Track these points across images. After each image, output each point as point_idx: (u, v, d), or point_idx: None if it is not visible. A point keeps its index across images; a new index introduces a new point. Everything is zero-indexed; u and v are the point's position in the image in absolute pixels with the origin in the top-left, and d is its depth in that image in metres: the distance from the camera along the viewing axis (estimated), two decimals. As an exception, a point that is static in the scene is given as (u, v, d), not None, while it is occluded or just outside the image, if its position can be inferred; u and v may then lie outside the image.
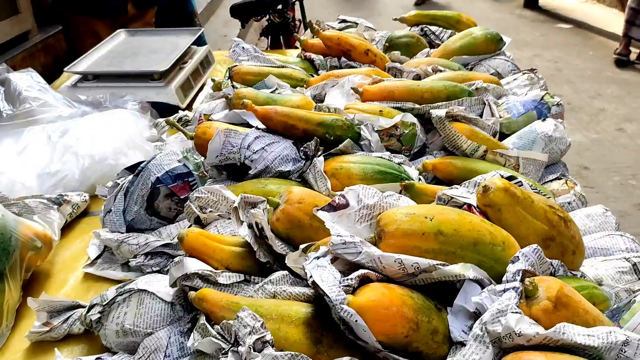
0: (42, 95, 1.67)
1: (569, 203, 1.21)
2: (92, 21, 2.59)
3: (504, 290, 0.75)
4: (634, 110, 4.64)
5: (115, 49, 2.10)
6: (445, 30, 1.91)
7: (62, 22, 2.81)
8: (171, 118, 1.53)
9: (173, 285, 0.95)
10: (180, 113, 1.61)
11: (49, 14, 2.78)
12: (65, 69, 1.90)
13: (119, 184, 1.26)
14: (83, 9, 2.55)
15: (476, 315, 0.77)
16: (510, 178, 1.03)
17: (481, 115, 1.35)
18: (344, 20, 2.06)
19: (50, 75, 2.69)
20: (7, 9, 2.91)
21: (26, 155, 1.46)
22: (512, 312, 0.70)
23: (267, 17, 2.89)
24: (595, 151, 4.02)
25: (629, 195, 3.51)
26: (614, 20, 6.35)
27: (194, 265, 0.94)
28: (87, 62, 1.94)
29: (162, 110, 1.83)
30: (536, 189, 1.05)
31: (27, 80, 1.69)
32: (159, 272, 1.12)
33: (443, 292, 0.82)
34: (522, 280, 0.76)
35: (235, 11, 2.73)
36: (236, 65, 1.61)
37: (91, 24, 2.60)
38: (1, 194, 1.29)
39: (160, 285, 1.00)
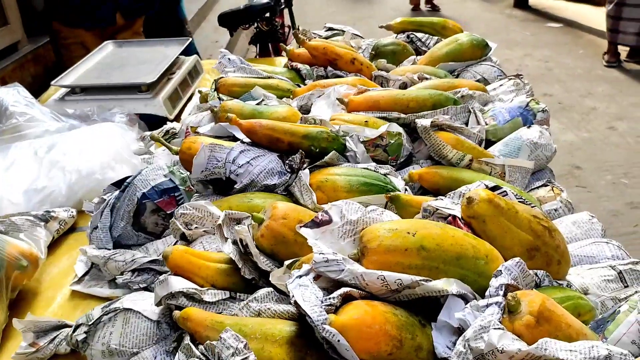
0: (29, 110, 1.67)
1: (555, 210, 1.21)
2: (80, 32, 2.59)
3: (487, 306, 0.75)
4: (624, 109, 4.66)
5: (103, 61, 2.09)
6: (431, 36, 1.91)
7: (50, 33, 2.80)
8: (157, 132, 1.53)
9: (158, 303, 0.95)
10: (168, 125, 1.61)
11: (38, 24, 2.77)
12: (52, 82, 1.90)
13: (105, 199, 1.26)
14: (71, 21, 2.55)
15: (460, 330, 0.77)
16: (494, 188, 1.03)
17: (467, 123, 1.35)
18: (330, 28, 2.07)
19: (41, 85, 2.69)
20: (-4, 20, 2.90)
21: (13, 171, 1.46)
22: (495, 328, 0.70)
23: (255, 25, 2.89)
24: (586, 150, 4.04)
25: (621, 194, 3.52)
26: (604, 19, 6.37)
27: (178, 283, 0.93)
28: (74, 75, 1.94)
29: (151, 121, 1.82)
30: (521, 198, 1.05)
31: (13, 96, 1.69)
32: (146, 288, 1.12)
33: (427, 307, 0.82)
34: (504, 295, 0.76)
35: (223, 20, 2.73)
36: (222, 77, 1.61)
37: (79, 35, 2.60)
38: (-13, 212, 1.29)
39: (146, 303, 0.99)
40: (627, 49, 5.56)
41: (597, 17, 6.79)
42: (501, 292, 0.76)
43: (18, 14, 3.02)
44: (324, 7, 7.74)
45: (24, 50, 3.08)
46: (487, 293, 0.78)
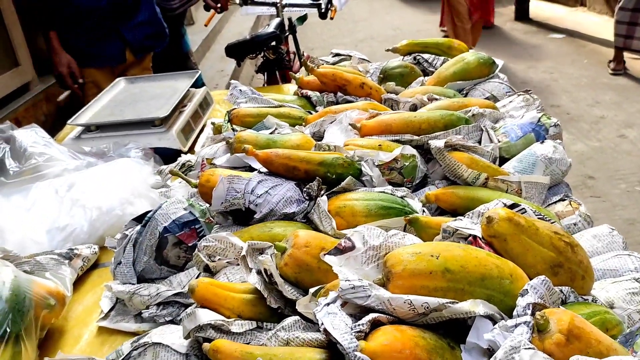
0: (47, 150, 1.70)
1: (574, 224, 1.22)
2: (91, 71, 2.65)
3: (516, 325, 0.75)
4: (632, 116, 4.65)
5: (115, 98, 2.14)
6: (437, 57, 1.94)
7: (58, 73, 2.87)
8: (174, 165, 1.55)
9: (187, 336, 0.96)
10: (183, 158, 1.63)
11: (48, 63, 2.84)
12: (68, 122, 1.94)
13: (127, 235, 1.28)
14: (81, 60, 2.61)
15: (490, 351, 0.77)
16: (513, 206, 1.04)
17: (479, 142, 1.37)
18: (337, 54, 2.10)
19: (54, 124, 2.74)
20: (7, 62, 2.97)
21: (35, 211, 1.49)
22: (526, 348, 0.70)
23: (262, 54, 2.94)
24: (598, 160, 4.02)
25: (636, 202, 3.50)
26: (605, 27, 6.41)
27: (206, 315, 0.94)
28: (89, 113, 1.98)
29: (165, 154, 1.85)
30: (540, 214, 1.06)
31: (32, 136, 1.73)
32: (172, 321, 1.13)
33: (455, 330, 0.82)
34: (532, 314, 0.76)
35: (230, 51, 2.78)
36: (235, 108, 1.64)
37: (90, 74, 2.66)
38: (12, 252, 1.31)
39: (174, 336, 1.00)
40: (639, 58, 5.57)
41: (598, 27, 6.84)
42: (529, 311, 0.76)
43: (28, 54, 3.10)
44: (325, 30, 7.84)
45: (35, 90, 3.15)
46: (514, 313, 0.78)
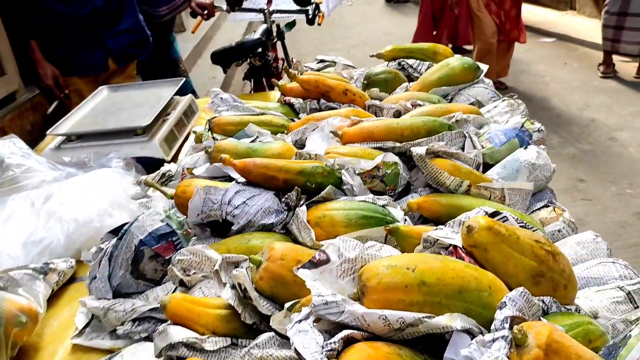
0: (25, 161, 1.67)
1: (558, 231, 1.19)
2: (74, 80, 2.62)
3: (493, 340, 0.72)
4: (623, 119, 4.65)
5: (98, 107, 2.11)
6: (422, 62, 1.92)
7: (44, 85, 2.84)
8: (153, 176, 1.52)
9: (158, 355, 0.93)
10: (164, 168, 1.60)
11: (34, 77, 2.81)
12: (48, 131, 1.90)
13: (102, 248, 1.25)
14: (64, 69, 2.58)
15: (467, 368, 0.74)
16: (494, 214, 1.02)
17: (463, 148, 1.35)
18: (322, 60, 2.08)
19: (40, 132, 2.70)
20: (-7, 71, 2.94)
21: (10, 224, 1.45)
22: (502, 365, 0.68)
23: (248, 61, 2.92)
24: (589, 163, 4.02)
25: (627, 205, 3.48)
26: (595, 30, 6.42)
27: (178, 333, 0.91)
28: (70, 123, 1.95)
29: (148, 164, 1.82)
30: (523, 222, 1.03)
31: (9, 147, 1.70)
32: (147, 338, 1.10)
33: (433, 344, 0.79)
34: (511, 328, 0.73)
35: (215, 58, 2.76)
36: (215, 117, 1.61)
37: (74, 83, 2.62)
38: (-14, 268, 1.28)
39: (147, 354, 0.97)
40: (628, 61, 5.59)
41: (589, 30, 6.86)
42: (507, 325, 0.74)
43: (15, 64, 3.07)
44: (317, 36, 7.83)
45: (21, 99, 3.12)
46: (492, 327, 0.75)
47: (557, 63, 6.19)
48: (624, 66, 5.65)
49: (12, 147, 1.70)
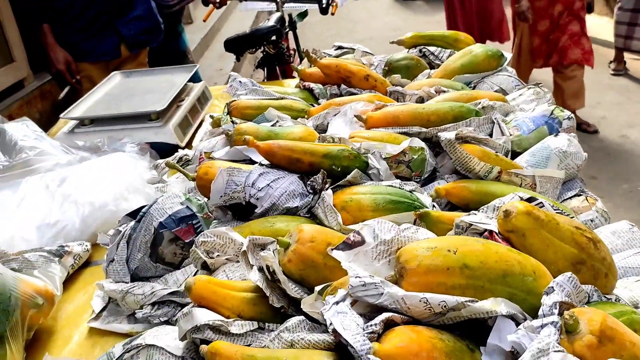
0: (38, 144, 1.64)
1: (591, 220, 1.16)
2: (85, 66, 2.59)
3: (542, 326, 0.69)
4: (635, 116, 4.61)
5: (111, 92, 2.07)
6: (444, 49, 1.88)
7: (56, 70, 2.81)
8: (171, 159, 1.49)
9: (183, 338, 0.89)
10: (180, 153, 1.57)
11: (43, 60, 2.78)
12: (61, 115, 1.87)
13: (120, 231, 1.21)
14: (76, 55, 2.55)
15: (513, 354, 0.71)
16: (530, 200, 0.98)
17: (491, 135, 1.31)
18: (340, 47, 2.04)
19: (48, 121, 2.68)
20: (2, 58, 2.91)
21: (25, 207, 1.42)
22: (555, 351, 0.64)
23: (262, 48, 2.88)
24: (600, 160, 3.97)
25: (639, 203, 3.45)
26: (606, 28, 6.36)
27: (203, 315, 0.88)
28: (83, 107, 1.91)
29: (162, 150, 1.79)
30: (558, 209, 1.00)
31: (22, 130, 1.66)
32: (167, 322, 1.07)
33: (473, 331, 0.76)
34: (560, 314, 0.70)
35: (229, 45, 2.72)
36: (234, 100, 1.57)
37: (85, 69, 2.60)
38: (1, 249, 1.25)
39: (169, 338, 0.94)
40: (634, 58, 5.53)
41: (599, 27, 6.79)
42: (556, 311, 0.70)
43: (23, 51, 3.04)
44: (324, 30, 7.79)
45: (30, 87, 3.09)
46: (540, 312, 0.72)
47: (567, 60, 6.12)
48: (635, 64, 5.60)
49: (25, 130, 1.67)
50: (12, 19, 2.92)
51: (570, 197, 1.22)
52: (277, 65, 2.97)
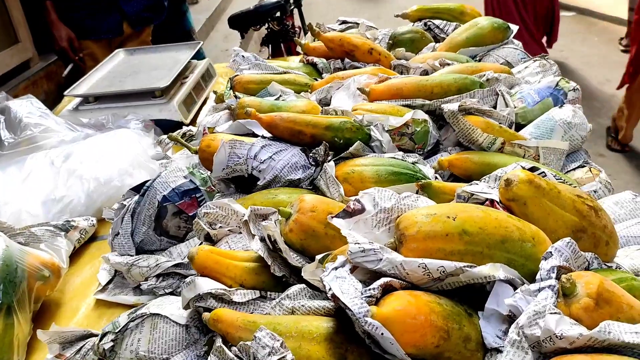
0: (43, 121, 1.65)
1: (594, 191, 1.15)
2: (88, 43, 2.58)
3: (539, 290, 0.69)
4: (645, 93, 4.54)
5: (115, 69, 2.07)
6: (449, 23, 1.85)
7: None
8: (174, 134, 1.49)
9: (186, 307, 0.91)
10: (184, 129, 1.57)
11: (48, 41, 2.78)
12: (65, 92, 1.88)
13: (125, 205, 1.23)
14: (79, 33, 2.54)
15: (510, 318, 0.71)
16: (532, 169, 0.98)
17: (495, 107, 1.30)
18: (344, 22, 2.02)
19: (54, 101, 2.69)
20: (7, 39, 2.92)
21: (30, 182, 1.43)
22: (551, 313, 0.65)
23: (267, 25, 2.85)
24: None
25: (648, 180, 3.42)
26: (616, 4, 6.25)
27: (206, 284, 0.89)
28: (87, 84, 1.92)
29: (166, 127, 1.79)
30: (561, 179, 1.00)
31: (27, 107, 1.67)
32: (171, 293, 1.08)
33: (472, 296, 0.76)
34: (557, 278, 0.70)
35: (233, 22, 2.70)
36: (237, 75, 1.57)
37: (88, 47, 2.59)
38: (7, 224, 1.26)
39: (173, 307, 0.95)
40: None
41: (609, 4, 6.68)
42: (553, 275, 0.70)
43: (28, 31, 3.04)
44: (329, 10, 7.70)
45: (35, 68, 3.10)
46: (537, 276, 0.72)
47: (577, 38, 6.04)
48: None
49: (29, 107, 1.67)
50: (17, 1, 2.92)
51: (574, 169, 1.21)
52: (281, 42, 2.95)
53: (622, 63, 5.17)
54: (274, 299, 0.89)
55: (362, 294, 0.69)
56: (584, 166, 1.21)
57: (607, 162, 3.65)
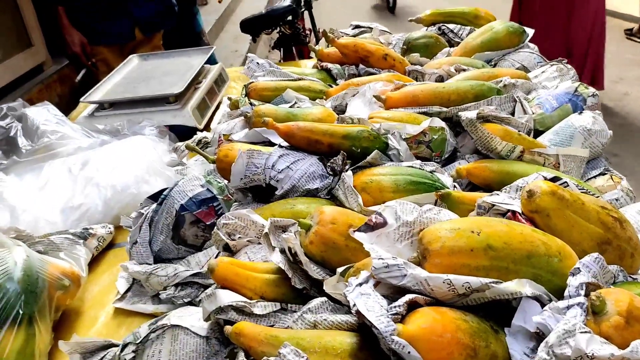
0: (60, 128, 1.66)
1: (616, 200, 1.13)
2: (100, 49, 2.60)
3: (568, 307, 0.68)
4: (659, 92, 4.50)
5: (128, 75, 2.08)
6: (463, 27, 1.84)
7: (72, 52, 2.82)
8: (190, 142, 1.49)
9: (207, 319, 0.91)
10: (200, 135, 1.57)
11: (61, 45, 2.79)
12: (81, 99, 1.89)
13: (142, 213, 1.23)
14: (91, 38, 2.55)
15: (538, 335, 0.70)
16: (554, 179, 0.97)
17: (513, 114, 1.29)
18: (357, 26, 2.01)
19: (67, 105, 2.71)
20: (20, 43, 2.94)
21: (48, 190, 1.44)
22: (581, 332, 0.64)
23: (278, 29, 2.85)
24: (623, 137, 3.90)
25: (664, 181, 3.38)
26: (627, 1, 6.19)
27: (227, 297, 0.89)
28: (102, 91, 1.92)
29: (180, 132, 1.80)
30: (583, 189, 0.98)
31: (44, 114, 1.68)
32: (190, 303, 1.08)
33: (497, 312, 0.76)
34: (586, 295, 0.69)
35: (245, 26, 2.70)
36: (252, 82, 1.57)
37: (100, 52, 2.61)
38: (26, 232, 1.27)
39: (193, 319, 0.95)
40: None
41: (621, 1, 6.61)
42: (582, 292, 0.70)
43: (41, 35, 3.05)
44: (338, 9, 7.69)
45: (49, 71, 3.11)
46: (565, 293, 0.71)
47: (589, 35, 5.98)
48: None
49: (46, 114, 1.68)
50: (30, 4, 2.93)
51: (594, 176, 1.20)
52: (293, 45, 2.94)
53: (636, 61, 5.14)
54: (295, 311, 0.89)
55: (387, 311, 0.69)
56: (605, 173, 1.20)
57: (622, 162, 3.62)
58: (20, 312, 0.99)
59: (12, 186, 1.46)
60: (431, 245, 0.76)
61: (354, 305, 0.69)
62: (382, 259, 0.74)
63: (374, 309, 0.68)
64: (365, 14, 7.76)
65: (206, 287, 1.09)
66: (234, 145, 1.19)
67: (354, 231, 0.82)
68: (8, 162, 1.56)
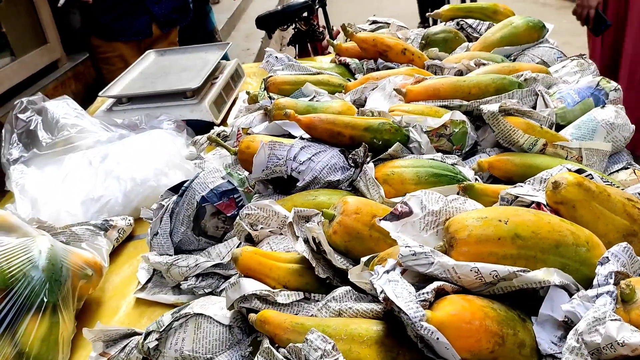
0: (79, 122, 1.67)
1: (639, 194, 1.12)
2: (117, 45, 2.62)
3: (597, 296, 0.68)
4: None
5: (146, 70, 2.09)
6: (482, 22, 1.83)
7: (89, 49, 2.85)
8: (212, 135, 1.50)
9: (230, 307, 0.91)
10: (217, 129, 1.58)
11: (76, 41, 2.81)
12: (99, 93, 1.90)
13: (163, 205, 1.24)
14: (108, 35, 2.57)
15: (566, 324, 0.70)
16: (578, 171, 0.96)
17: (534, 107, 1.28)
18: (375, 22, 2.01)
19: (82, 102, 2.73)
20: (36, 40, 2.96)
21: (69, 182, 1.46)
22: (611, 320, 0.63)
23: (294, 25, 2.86)
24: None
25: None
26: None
27: (250, 285, 0.89)
28: (120, 86, 1.94)
29: (197, 127, 1.81)
30: (608, 182, 0.98)
31: (63, 108, 1.70)
32: (211, 293, 1.09)
33: (524, 301, 0.75)
34: (615, 283, 0.69)
35: (261, 22, 2.71)
36: (271, 76, 1.57)
37: (117, 48, 2.63)
38: (48, 223, 1.28)
39: (216, 308, 0.96)
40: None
41: None
42: (611, 281, 0.69)
43: (56, 32, 3.08)
44: (350, 9, 7.68)
45: (64, 68, 3.14)
46: (594, 282, 0.71)
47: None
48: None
49: (66, 108, 1.70)
50: (46, 2, 2.96)
51: (617, 170, 1.19)
52: (308, 42, 2.94)
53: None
54: (318, 300, 0.90)
55: (416, 297, 0.69)
56: (628, 168, 1.19)
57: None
58: (45, 300, 1.00)
59: (34, 178, 1.47)
60: (458, 234, 0.76)
61: (382, 291, 0.69)
62: (409, 247, 0.74)
63: (403, 295, 0.68)
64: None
65: (227, 277, 1.09)
66: (256, 137, 1.19)
67: (380, 220, 0.82)
68: (29, 154, 1.58)
